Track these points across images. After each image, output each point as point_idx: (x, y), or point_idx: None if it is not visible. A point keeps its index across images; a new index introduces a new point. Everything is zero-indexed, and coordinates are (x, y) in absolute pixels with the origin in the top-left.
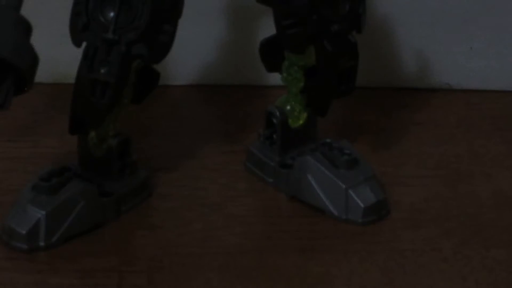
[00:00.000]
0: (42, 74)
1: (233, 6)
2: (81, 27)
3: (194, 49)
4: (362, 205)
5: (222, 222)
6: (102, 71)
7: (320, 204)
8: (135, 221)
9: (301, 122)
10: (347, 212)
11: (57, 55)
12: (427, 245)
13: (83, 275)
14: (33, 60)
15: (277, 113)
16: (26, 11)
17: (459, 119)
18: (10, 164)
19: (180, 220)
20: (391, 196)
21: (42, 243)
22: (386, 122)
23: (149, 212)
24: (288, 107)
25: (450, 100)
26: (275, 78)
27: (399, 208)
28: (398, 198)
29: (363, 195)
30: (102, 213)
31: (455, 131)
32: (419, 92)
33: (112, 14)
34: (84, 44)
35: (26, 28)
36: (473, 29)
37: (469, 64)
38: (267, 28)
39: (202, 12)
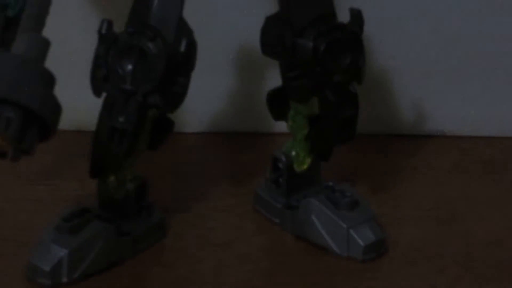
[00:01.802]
0: (64, 122)
1: (242, 59)
2: (101, 78)
3: (206, 99)
4: (362, 243)
5: (231, 260)
6: (120, 119)
7: (323, 243)
8: (150, 259)
9: (305, 166)
10: (348, 250)
11: (79, 104)
12: (423, 281)
13: None
14: (56, 109)
15: (283, 158)
16: (49, 63)
17: (452, 163)
18: (34, 205)
19: (192, 258)
20: (389, 235)
21: (64, 279)
22: (384, 166)
23: (163, 250)
24: (293, 153)
25: (444, 145)
26: (281, 126)
27: (396, 246)
28: (395, 237)
29: (363, 234)
30: (120, 252)
31: (449, 174)
32: (415, 139)
33: (129, 67)
34: (103, 94)
35: (50, 79)
36: (464, 80)
37: (461, 112)
38: (274, 79)
39: (213, 65)
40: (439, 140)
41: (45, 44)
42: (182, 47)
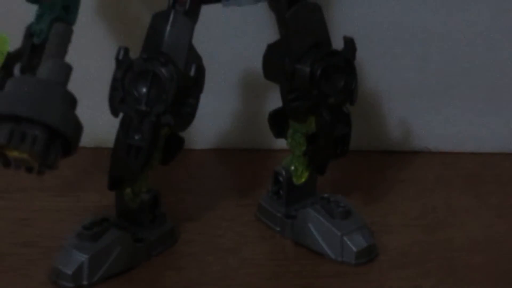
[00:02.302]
0: (85, 139)
1: (246, 83)
2: (118, 100)
3: (213, 118)
4: (354, 249)
5: (236, 264)
6: (136, 137)
7: (320, 249)
8: (163, 263)
9: (303, 180)
10: (342, 255)
11: (98, 123)
12: (410, 283)
13: None
14: (78, 128)
15: (283, 173)
16: (72, 86)
17: (436, 177)
18: (58, 215)
19: (201, 262)
20: (379, 241)
21: (85, 282)
22: (374, 179)
23: (175, 255)
24: (292, 167)
25: (429, 161)
26: (281, 143)
27: (386, 251)
28: (385, 243)
29: (355, 241)
30: (135, 257)
31: (433, 187)
32: (403, 154)
33: (144, 89)
34: (121, 114)
35: (72, 101)
36: (446, 101)
37: (444, 131)
38: (275, 101)
39: (220, 88)
40: (424, 156)
41: (68, 69)
42: (192, 72)
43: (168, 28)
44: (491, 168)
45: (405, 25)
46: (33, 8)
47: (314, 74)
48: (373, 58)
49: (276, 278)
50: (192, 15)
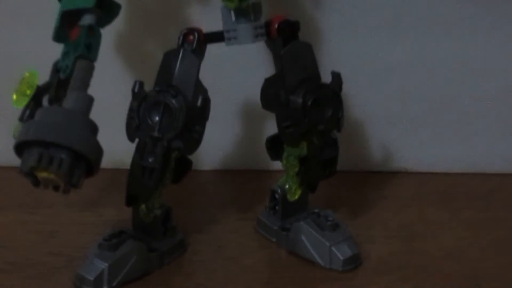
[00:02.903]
0: (105, 162)
1: (246, 111)
2: (134, 127)
3: (217, 143)
4: (341, 258)
5: (238, 271)
6: (150, 160)
7: (311, 257)
8: (174, 270)
9: (296, 197)
10: (331, 263)
11: (116, 147)
12: (391, 287)
13: None
14: (99, 151)
15: (279, 191)
16: (93, 115)
17: (413, 194)
18: (81, 228)
19: (207, 269)
20: (363, 251)
21: (105, 287)
22: (359, 196)
23: (184, 263)
24: (287, 186)
25: (406, 180)
26: (277, 165)
27: (369, 260)
28: (368, 252)
29: (342, 250)
30: (149, 264)
31: (411, 203)
32: (383, 175)
33: (157, 118)
34: (136, 140)
35: (93, 128)
36: (422, 127)
37: (420, 153)
38: (271, 128)
39: (223, 116)
40: (403, 175)
41: (90, 100)
42: (199, 103)
43: (178, 64)
44: (461, 186)
45: (385, 60)
46: (60, 47)
47: (305, 104)
48: (357, 90)
49: (272, 283)
50: (199, 53)
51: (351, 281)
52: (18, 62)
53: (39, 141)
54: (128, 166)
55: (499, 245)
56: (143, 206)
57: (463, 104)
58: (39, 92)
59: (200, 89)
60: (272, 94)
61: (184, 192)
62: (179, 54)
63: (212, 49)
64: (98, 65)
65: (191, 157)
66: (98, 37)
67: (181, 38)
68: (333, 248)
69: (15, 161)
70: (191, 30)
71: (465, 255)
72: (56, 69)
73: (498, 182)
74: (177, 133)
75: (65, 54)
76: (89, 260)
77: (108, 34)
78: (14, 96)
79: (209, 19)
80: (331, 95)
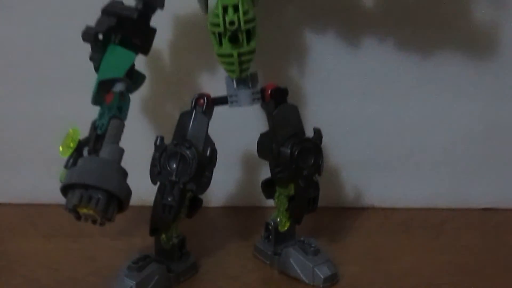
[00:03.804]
0: (133, 200)
1: (245, 159)
2: (156, 173)
3: (222, 185)
4: (322, 276)
5: (239, 287)
6: (169, 199)
7: (298, 276)
8: (188, 286)
9: (286, 228)
10: (314, 281)
11: (142, 189)
12: None
13: None
14: (128, 192)
15: (272, 223)
16: (124, 163)
17: (378, 224)
18: (114, 253)
19: (215, 286)
20: (339, 271)
21: None
22: (335, 227)
23: (195, 282)
24: (278, 219)
25: (373, 214)
26: (270, 202)
27: (344, 278)
28: (343, 272)
29: (323, 270)
30: (168, 283)
31: (377, 232)
32: (355, 210)
33: (174, 165)
34: (158, 183)
35: (124, 173)
36: (386, 171)
37: (385, 192)
38: (265, 172)
39: (227, 163)
40: (370, 211)
41: (121, 151)
42: (208, 153)
43: (191, 122)
44: (417, 219)
45: (356, 118)
46: (96, 109)
47: (293, 154)
48: (334, 142)
49: None
50: (208, 113)
51: None
52: (64, 122)
53: (80, 184)
54: (151, 204)
55: (449, 266)
56: (163, 236)
57: (418, 153)
58: (81, 145)
59: (208, 142)
60: (266, 146)
61: (196, 225)
62: (192, 114)
63: (218, 110)
64: (127, 123)
65: (202, 196)
66: (127, 101)
67: (193, 101)
68: (315, 269)
69: (62, 199)
70: (202, 95)
71: (421, 274)
72: (94, 126)
73: (447, 215)
74: (191, 177)
75: (101, 115)
76: (120, 279)
77: (135, 98)
78: (60, 148)
79: (215, 86)
80: (313, 147)
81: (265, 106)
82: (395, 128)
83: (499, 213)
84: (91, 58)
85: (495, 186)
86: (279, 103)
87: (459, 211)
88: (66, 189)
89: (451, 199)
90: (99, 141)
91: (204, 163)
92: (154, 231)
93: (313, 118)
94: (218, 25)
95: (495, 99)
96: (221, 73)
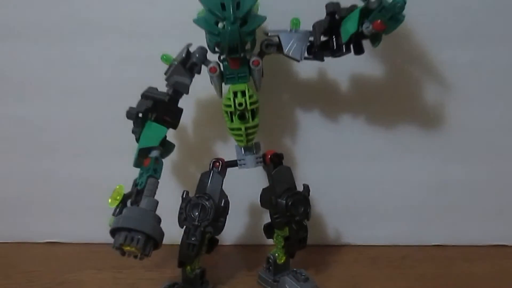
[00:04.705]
0: (165, 240)
1: (250, 209)
2: (182, 219)
3: (233, 228)
4: None
5: None
6: (193, 239)
7: None
8: None
9: (282, 261)
10: None
11: (172, 231)
12: None
13: None
14: (161, 234)
15: (271, 257)
16: (158, 211)
17: (354, 258)
18: (151, 282)
19: None
20: None
21: None
22: (320, 261)
23: None
24: (276, 254)
25: (350, 250)
26: (270, 241)
27: None
28: None
29: None
30: None
31: (353, 264)
32: (336, 247)
33: (197, 213)
34: (184, 226)
35: (158, 219)
36: (359, 217)
37: (360, 233)
38: (266, 218)
39: (236, 211)
40: (348, 247)
41: (156, 203)
42: (222, 204)
43: (209, 180)
44: (384, 254)
45: (334, 178)
46: (137, 171)
47: (287, 204)
48: (319, 195)
49: None
50: (222, 173)
51: None
52: (112, 181)
53: (125, 227)
54: (179, 243)
55: None
56: (188, 267)
57: (384, 201)
58: (125, 197)
59: (223, 195)
60: (267, 198)
61: (213, 259)
62: (210, 174)
63: (230, 170)
64: (161, 181)
65: (218, 236)
66: (161, 164)
67: (211, 164)
68: None
69: (110, 240)
70: (217, 159)
71: None
72: (135, 183)
73: (407, 251)
74: (209, 222)
75: (140, 175)
76: None
77: (167, 161)
78: (109, 200)
79: (228, 153)
80: (303, 198)
81: (266, 167)
82: (366, 182)
83: (448, 249)
84: (133, 132)
85: (444, 227)
86: (276, 165)
87: (416, 247)
88: (113, 232)
89: (410, 238)
90: (139, 195)
91: (220, 211)
92: (181, 263)
93: (302, 176)
94: (230, 106)
95: (445, 160)
96: (232, 142)
